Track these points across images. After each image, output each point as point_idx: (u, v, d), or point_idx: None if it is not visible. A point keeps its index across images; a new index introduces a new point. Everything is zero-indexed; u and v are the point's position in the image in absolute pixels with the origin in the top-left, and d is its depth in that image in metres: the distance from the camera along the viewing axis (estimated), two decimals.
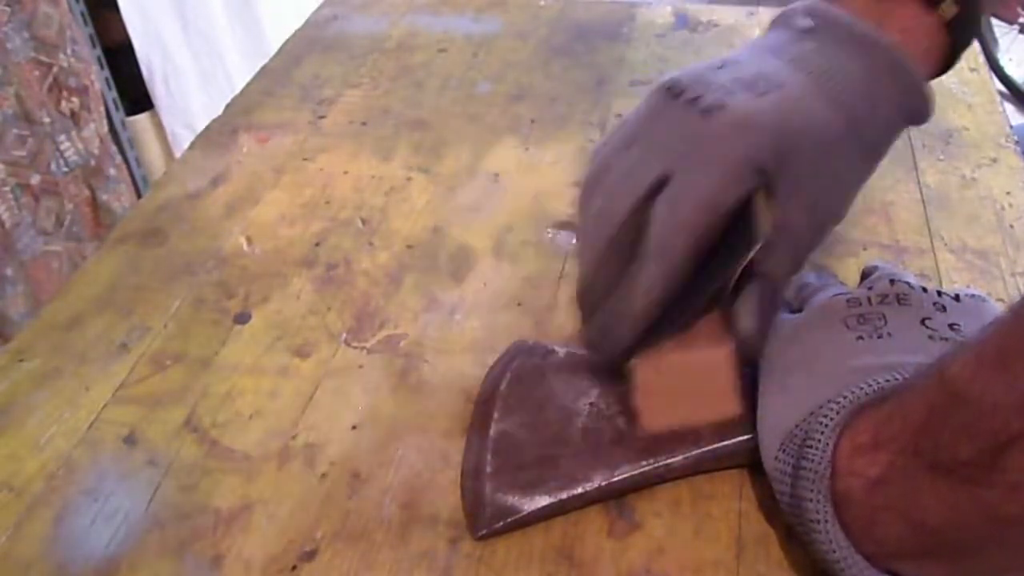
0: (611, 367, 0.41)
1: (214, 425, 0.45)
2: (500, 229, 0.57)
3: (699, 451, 0.40)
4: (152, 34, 1.58)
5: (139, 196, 1.52)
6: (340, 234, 0.57)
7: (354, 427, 0.44)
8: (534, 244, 0.56)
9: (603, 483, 0.39)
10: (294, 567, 0.38)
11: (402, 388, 0.46)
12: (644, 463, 0.40)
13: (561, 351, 0.45)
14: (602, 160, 0.39)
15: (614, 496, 0.40)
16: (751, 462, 0.40)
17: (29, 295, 1.34)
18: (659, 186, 0.36)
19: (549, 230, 0.57)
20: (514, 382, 0.44)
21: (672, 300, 0.37)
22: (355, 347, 0.49)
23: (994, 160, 0.61)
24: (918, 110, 0.39)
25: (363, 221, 0.59)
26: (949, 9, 0.38)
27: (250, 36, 1.71)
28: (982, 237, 0.54)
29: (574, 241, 0.55)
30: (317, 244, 0.57)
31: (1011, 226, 0.55)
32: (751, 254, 0.38)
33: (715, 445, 0.40)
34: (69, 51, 1.35)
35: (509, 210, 0.59)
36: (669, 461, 0.40)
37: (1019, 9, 2.22)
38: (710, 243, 0.36)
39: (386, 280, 0.53)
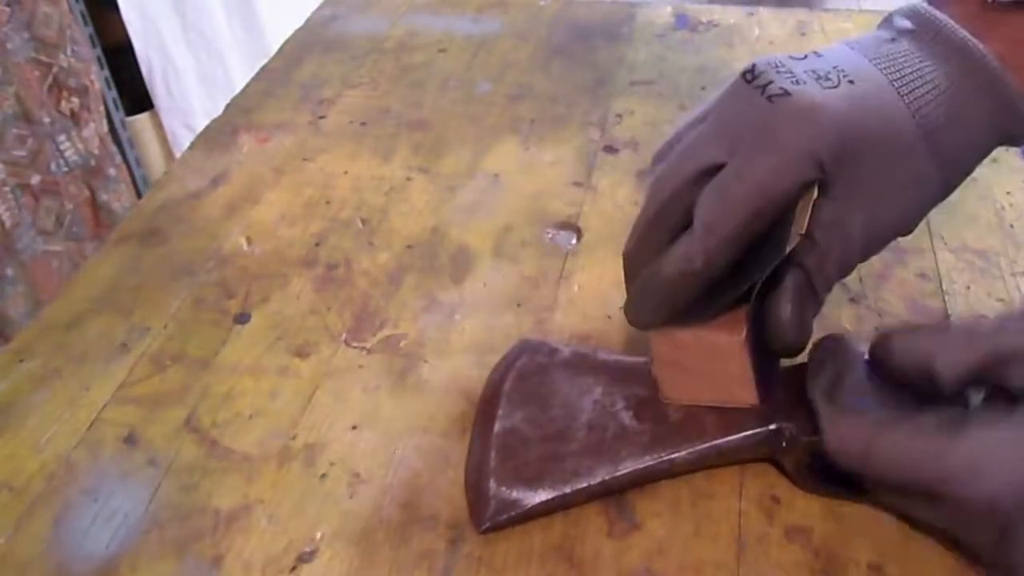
0: (641, 332, 0.40)
1: (214, 425, 0.45)
2: (500, 229, 0.57)
3: (703, 446, 0.40)
4: (152, 34, 1.58)
5: (139, 196, 1.52)
6: (340, 234, 0.57)
7: (354, 427, 0.44)
8: (534, 244, 0.56)
9: (606, 477, 0.39)
10: (294, 567, 0.38)
11: (402, 388, 0.46)
12: (648, 458, 0.40)
13: (566, 349, 0.45)
14: (676, 132, 0.38)
15: (617, 491, 0.40)
16: (755, 458, 0.40)
17: (29, 295, 1.34)
18: (716, 167, 0.35)
19: (549, 230, 0.57)
20: (519, 379, 0.44)
21: (710, 282, 0.36)
22: (355, 347, 0.49)
23: (994, 160, 0.61)
24: (1013, 129, 0.36)
25: (363, 221, 0.59)
26: None
27: (250, 36, 1.71)
28: (982, 237, 0.54)
29: (574, 241, 0.55)
30: (317, 244, 0.57)
31: (1011, 226, 0.55)
32: (790, 246, 0.37)
33: (719, 440, 0.40)
34: (69, 51, 1.35)
35: (509, 210, 0.59)
36: (673, 456, 0.40)
37: None
38: (758, 230, 0.35)
39: (386, 280, 0.53)
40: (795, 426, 0.39)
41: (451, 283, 0.53)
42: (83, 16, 1.42)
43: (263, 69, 0.79)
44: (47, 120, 1.33)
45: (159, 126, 1.67)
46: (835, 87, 0.34)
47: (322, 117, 0.71)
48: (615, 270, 0.53)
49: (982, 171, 0.60)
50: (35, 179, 1.33)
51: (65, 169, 1.37)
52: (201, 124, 0.71)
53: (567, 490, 0.39)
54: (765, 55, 0.36)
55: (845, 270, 0.37)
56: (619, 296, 0.51)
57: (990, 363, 0.34)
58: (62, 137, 1.36)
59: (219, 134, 0.69)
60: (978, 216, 0.56)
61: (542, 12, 0.85)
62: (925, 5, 0.37)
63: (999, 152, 0.62)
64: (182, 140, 1.65)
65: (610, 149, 0.64)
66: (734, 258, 0.35)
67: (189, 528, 0.40)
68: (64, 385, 0.47)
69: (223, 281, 0.54)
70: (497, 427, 0.42)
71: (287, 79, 0.76)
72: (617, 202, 0.59)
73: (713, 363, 0.40)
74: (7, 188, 1.28)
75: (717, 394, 0.40)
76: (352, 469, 0.42)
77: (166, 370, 0.48)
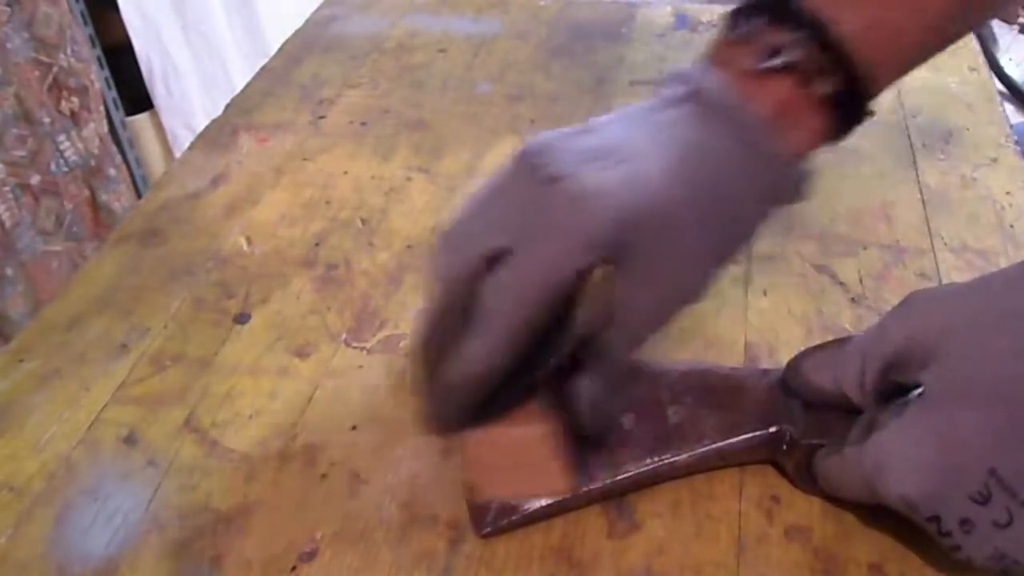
0: (445, 437, 0.39)
1: (214, 425, 0.45)
2: None
3: (704, 449, 0.40)
4: (152, 34, 1.58)
5: (139, 196, 1.52)
6: (340, 234, 0.57)
7: (354, 427, 0.44)
8: None
9: (607, 481, 0.39)
10: (294, 567, 0.38)
11: (402, 388, 0.46)
12: (648, 461, 0.40)
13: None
14: (456, 222, 0.37)
15: (617, 494, 0.40)
16: (755, 460, 0.40)
17: (29, 295, 1.34)
18: (497, 257, 0.34)
19: None
20: None
21: (503, 375, 0.35)
22: (355, 347, 0.49)
23: (994, 160, 0.61)
24: (784, 192, 0.36)
25: (363, 221, 0.59)
26: (823, 86, 0.34)
27: (250, 36, 1.71)
28: (982, 237, 0.54)
29: None
30: (317, 244, 0.57)
31: (1011, 226, 0.55)
32: (582, 332, 0.36)
33: (719, 443, 0.40)
34: (69, 51, 1.35)
35: None
36: (674, 459, 0.40)
37: (1019, 9, 2.21)
38: (542, 320, 0.34)
39: (386, 280, 0.53)
40: (795, 428, 0.39)
41: None
42: (83, 16, 1.42)
43: (263, 69, 0.79)
44: (47, 120, 1.33)
45: (159, 126, 1.66)
46: (615, 166, 0.33)
47: (322, 117, 0.71)
48: None
49: (982, 171, 0.60)
50: (35, 179, 1.33)
51: (65, 169, 1.37)
52: (201, 124, 0.71)
53: (567, 495, 0.39)
54: (542, 134, 0.35)
55: (637, 344, 0.37)
56: None
57: (885, 368, 0.36)
58: (62, 137, 1.36)
59: (219, 134, 0.69)
60: (978, 216, 0.56)
61: (542, 12, 0.85)
62: (698, 67, 0.36)
63: (999, 152, 0.62)
64: (182, 140, 1.64)
65: None
66: (520, 352, 0.34)
67: (189, 528, 0.40)
68: (64, 385, 0.47)
69: (223, 281, 0.54)
70: None
71: (287, 79, 0.76)
72: None
73: (524, 456, 0.39)
74: (7, 188, 1.28)
75: (536, 486, 0.39)
76: (352, 469, 0.42)
77: (166, 370, 0.48)
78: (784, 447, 0.40)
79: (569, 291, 0.34)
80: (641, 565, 0.37)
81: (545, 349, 0.36)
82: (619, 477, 0.39)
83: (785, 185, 0.36)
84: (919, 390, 0.34)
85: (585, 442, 0.39)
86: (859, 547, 0.37)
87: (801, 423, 0.39)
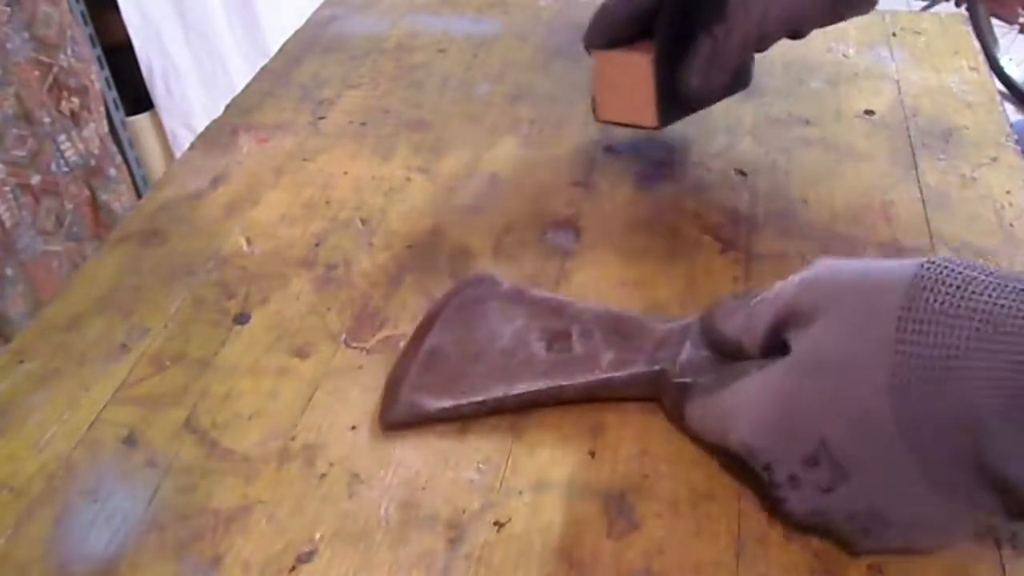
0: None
1: (214, 426, 0.45)
2: (499, 229, 0.57)
3: (593, 379, 0.43)
4: (152, 34, 1.58)
5: (139, 196, 1.52)
6: (340, 234, 0.57)
7: (353, 427, 0.44)
8: (533, 244, 0.56)
9: (501, 395, 0.43)
10: (293, 568, 0.38)
11: None
12: (541, 383, 0.43)
13: (506, 284, 0.49)
14: None
15: (512, 409, 0.43)
16: (639, 396, 0.43)
17: (29, 295, 1.34)
18: None
19: (548, 230, 0.57)
20: (458, 307, 0.48)
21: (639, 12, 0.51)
22: (355, 347, 0.49)
23: (994, 159, 0.61)
24: None
25: (363, 221, 0.59)
26: None
27: (250, 36, 1.71)
28: (982, 236, 0.54)
29: (573, 241, 0.55)
30: (317, 244, 0.57)
31: (1011, 225, 0.55)
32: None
33: (608, 375, 0.43)
34: (69, 51, 1.35)
35: (508, 210, 0.59)
36: (564, 384, 0.43)
37: (1019, 9, 2.21)
38: None
39: (386, 280, 0.53)
40: (673, 368, 0.42)
41: (451, 283, 0.53)
42: (83, 16, 1.42)
43: (263, 69, 0.79)
44: (47, 120, 1.33)
45: (159, 126, 1.67)
46: None
47: (322, 117, 0.71)
48: (615, 270, 0.53)
49: (982, 171, 0.60)
50: (35, 179, 1.33)
51: (65, 169, 1.38)
52: (201, 124, 0.71)
53: (463, 402, 0.43)
54: None
55: (745, 46, 0.50)
56: (620, 296, 0.51)
57: (774, 324, 0.38)
58: (62, 137, 1.36)
59: (219, 134, 0.69)
60: (978, 216, 0.56)
61: (542, 12, 0.85)
62: None
63: (999, 151, 0.62)
64: (182, 140, 1.65)
65: (610, 149, 0.64)
66: None
67: (189, 528, 0.40)
68: (64, 385, 0.47)
69: (223, 281, 0.54)
70: (425, 345, 0.46)
71: (287, 79, 0.76)
72: (616, 202, 0.59)
73: (628, 78, 0.52)
74: (7, 188, 1.28)
75: (630, 113, 0.53)
76: (352, 469, 0.42)
77: (166, 370, 0.48)
78: (663, 385, 0.42)
79: None
80: (641, 565, 0.37)
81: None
82: (512, 394, 0.43)
83: None
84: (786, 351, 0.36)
85: (676, 92, 0.53)
86: None
87: (679, 364, 0.42)
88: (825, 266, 0.37)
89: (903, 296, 0.33)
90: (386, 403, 0.44)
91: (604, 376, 0.43)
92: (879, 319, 0.33)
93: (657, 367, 0.42)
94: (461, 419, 0.43)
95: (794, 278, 0.38)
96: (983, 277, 0.32)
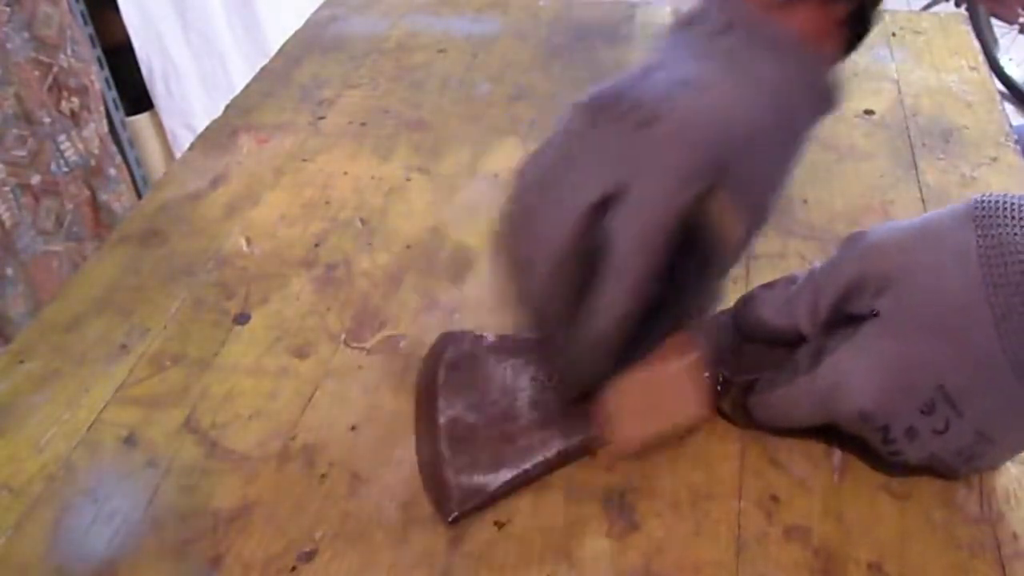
0: (584, 399, 0.41)
1: (214, 426, 0.45)
2: None
3: None
4: (152, 34, 1.58)
5: (139, 196, 1.52)
6: (340, 234, 0.57)
7: (353, 427, 0.44)
8: None
9: (562, 448, 0.41)
10: (293, 567, 0.38)
11: (402, 388, 0.46)
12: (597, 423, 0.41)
13: (490, 336, 0.47)
14: (531, 191, 0.38)
15: (574, 458, 0.41)
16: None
17: (29, 295, 1.34)
18: (602, 205, 0.36)
19: None
20: (451, 370, 0.45)
21: (641, 319, 0.37)
22: (355, 347, 0.49)
23: (994, 159, 0.61)
24: (829, 100, 0.41)
25: (363, 221, 0.59)
26: (843, 7, 0.39)
27: (250, 36, 1.71)
28: None
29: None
30: (317, 245, 0.57)
31: None
32: (719, 263, 0.39)
33: None
34: (69, 51, 1.35)
35: None
36: None
37: (1019, 9, 2.21)
38: (670, 251, 0.36)
39: (386, 280, 0.53)
40: (727, 369, 0.41)
41: (451, 283, 0.53)
42: (83, 16, 1.42)
43: (263, 69, 0.79)
44: (47, 120, 1.33)
45: (159, 126, 1.66)
46: (690, 100, 0.37)
47: (322, 117, 0.71)
48: None
49: (981, 170, 0.60)
50: (35, 179, 1.33)
51: (65, 169, 1.37)
52: (201, 124, 0.71)
53: (527, 466, 0.40)
54: (600, 85, 0.38)
55: (732, 267, 0.41)
56: None
57: (840, 299, 0.38)
58: (62, 137, 1.36)
59: (219, 135, 0.69)
60: None
61: (542, 12, 0.85)
62: (724, 3, 0.40)
63: (999, 151, 0.62)
64: (182, 140, 1.64)
65: None
66: (650, 291, 0.36)
67: (189, 528, 0.40)
68: (64, 386, 0.47)
69: (223, 281, 0.54)
70: (442, 420, 0.43)
71: (287, 79, 0.76)
72: None
73: (671, 391, 0.40)
74: (7, 188, 1.28)
75: (672, 420, 0.41)
76: (352, 469, 0.42)
77: (166, 371, 0.48)
78: (719, 388, 0.41)
79: (688, 225, 0.36)
80: (641, 565, 0.37)
81: (674, 289, 0.38)
82: (573, 442, 0.41)
83: (828, 94, 0.40)
84: (875, 317, 0.37)
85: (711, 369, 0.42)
86: (859, 547, 0.37)
87: (730, 363, 0.41)
88: (880, 233, 0.38)
89: (972, 234, 0.35)
90: (435, 493, 0.40)
91: None
92: (959, 262, 0.35)
93: (706, 374, 0.41)
94: (527, 484, 0.40)
95: (841, 255, 0.39)
96: None
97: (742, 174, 0.37)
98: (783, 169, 0.40)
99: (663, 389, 0.40)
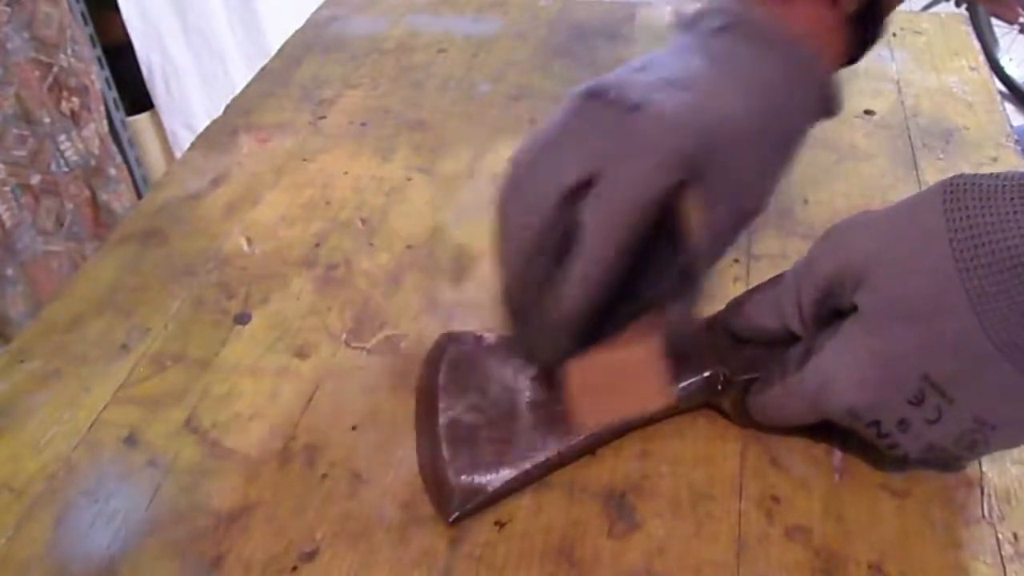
0: (546, 371, 0.42)
1: (214, 426, 0.45)
2: None
3: None
4: (152, 34, 1.58)
5: (139, 196, 1.52)
6: (340, 234, 0.57)
7: (354, 428, 0.44)
8: None
9: (562, 448, 0.41)
10: (294, 567, 0.38)
11: (402, 388, 0.46)
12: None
13: (491, 336, 0.47)
14: (521, 166, 0.39)
15: (573, 460, 0.41)
16: (695, 405, 0.42)
17: (29, 295, 1.34)
18: (583, 187, 0.37)
19: None
20: (451, 371, 0.45)
21: (607, 303, 0.37)
22: (355, 348, 0.49)
23: (994, 159, 0.61)
24: (828, 102, 0.40)
25: (363, 221, 0.59)
26: (850, 4, 0.39)
27: (250, 36, 1.71)
28: None
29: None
30: (317, 245, 0.57)
31: None
32: (684, 254, 0.39)
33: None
34: (69, 51, 1.35)
35: None
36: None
37: (1019, 9, 2.22)
38: (640, 240, 0.37)
39: (386, 281, 0.53)
40: (727, 368, 0.41)
41: (451, 284, 0.53)
42: (83, 16, 1.42)
43: (263, 69, 0.79)
44: (47, 120, 1.33)
45: (159, 126, 1.67)
46: (684, 91, 0.37)
47: (322, 117, 0.71)
48: None
49: (982, 171, 0.60)
50: (35, 179, 1.33)
51: (65, 169, 1.37)
52: (201, 124, 0.72)
53: (528, 466, 0.40)
54: (603, 76, 0.39)
55: (716, 259, 0.41)
56: None
57: (820, 296, 0.38)
58: (62, 137, 1.36)
59: (219, 135, 0.69)
60: None
61: (542, 12, 0.85)
62: (730, 1, 0.40)
63: (999, 151, 0.62)
64: (182, 140, 1.65)
65: None
66: (617, 277, 0.37)
67: (189, 528, 0.40)
68: (64, 386, 0.47)
69: (223, 281, 0.54)
70: (442, 420, 0.43)
71: (287, 79, 0.76)
72: None
73: (630, 377, 0.40)
74: (7, 188, 1.28)
75: (632, 408, 0.41)
76: (352, 469, 0.42)
77: (166, 370, 0.48)
78: (719, 388, 0.41)
79: (660, 213, 0.36)
80: (641, 565, 0.37)
81: (641, 276, 0.38)
82: (574, 442, 0.41)
83: (825, 96, 0.40)
84: (855, 312, 0.36)
85: (674, 360, 0.41)
86: (859, 547, 0.37)
87: (731, 362, 0.41)
88: (851, 224, 0.38)
89: (941, 218, 0.34)
90: (435, 493, 0.40)
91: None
92: (931, 248, 0.34)
93: (707, 373, 0.41)
94: (528, 485, 0.40)
95: (816, 251, 0.38)
96: (999, 182, 0.33)
97: (723, 171, 0.37)
98: (774, 169, 0.40)
99: (620, 371, 0.40)
